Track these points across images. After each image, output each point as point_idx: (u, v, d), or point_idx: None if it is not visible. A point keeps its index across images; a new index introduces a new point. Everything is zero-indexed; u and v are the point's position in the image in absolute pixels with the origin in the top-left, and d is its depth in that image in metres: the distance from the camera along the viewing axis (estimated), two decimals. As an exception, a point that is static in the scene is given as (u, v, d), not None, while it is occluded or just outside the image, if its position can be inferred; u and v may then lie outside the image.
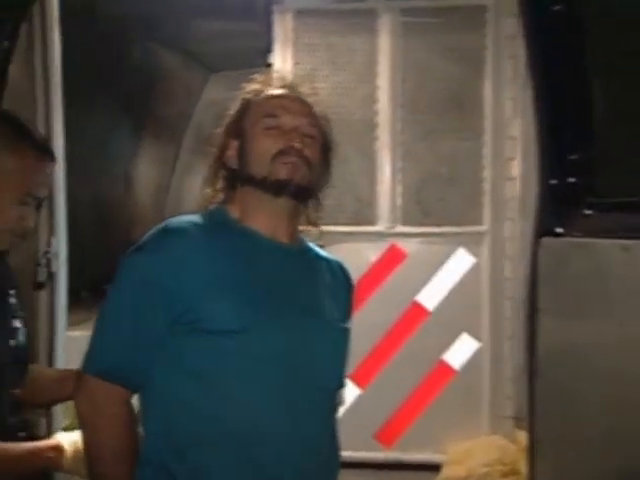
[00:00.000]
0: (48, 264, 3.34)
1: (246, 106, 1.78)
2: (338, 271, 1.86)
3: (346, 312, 1.85)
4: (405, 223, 4.14)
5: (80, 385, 1.71)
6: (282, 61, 4.09)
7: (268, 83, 1.80)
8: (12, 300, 2.08)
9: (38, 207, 2.01)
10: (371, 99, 4.13)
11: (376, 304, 4.08)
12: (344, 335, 1.80)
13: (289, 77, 1.87)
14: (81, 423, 1.73)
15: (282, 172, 1.68)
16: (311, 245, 1.83)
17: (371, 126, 4.13)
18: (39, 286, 3.32)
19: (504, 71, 4.00)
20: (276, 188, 1.70)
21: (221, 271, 1.66)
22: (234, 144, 1.76)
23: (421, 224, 4.13)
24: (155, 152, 6.12)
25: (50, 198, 3.22)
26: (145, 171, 6.09)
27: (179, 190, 6.28)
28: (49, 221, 3.35)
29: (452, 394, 4.09)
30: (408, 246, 4.14)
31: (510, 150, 4.00)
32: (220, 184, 1.78)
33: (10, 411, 1.97)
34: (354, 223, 4.14)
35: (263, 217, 1.73)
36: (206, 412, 1.64)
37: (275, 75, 1.84)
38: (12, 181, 1.91)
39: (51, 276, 3.37)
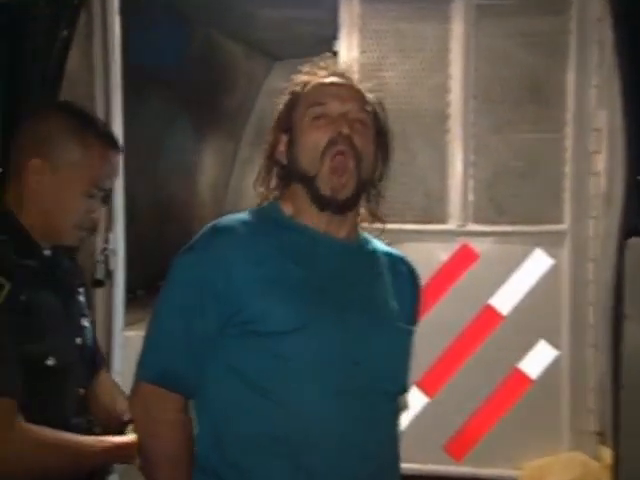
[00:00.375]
0: (106, 261, 3.37)
1: (294, 98, 1.76)
2: (402, 267, 1.84)
3: (411, 312, 1.82)
4: (477, 221, 4.02)
5: (135, 391, 1.73)
6: (348, 49, 3.98)
7: (316, 73, 1.79)
8: (81, 298, 2.11)
9: (105, 200, 2.06)
10: (442, 89, 4.01)
11: (446, 307, 3.96)
12: (407, 336, 1.78)
13: (338, 64, 1.85)
14: (137, 429, 1.77)
15: (327, 185, 1.67)
16: (372, 239, 1.80)
17: (442, 117, 4.02)
18: (97, 284, 3.38)
19: (589, 57, 3.83)
20: (320, 204, 1.69)
21: (272, 269, 1.66)
22: (284, 139, 1.76)
23: (495, 222, 4.00)
24: (215, 146, 6.06)
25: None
26: (204, 166, 6.02)
27: (239, 185, 6.23)
28: (107, 217, 3.41)
29: (528, 405, 3.94)
30: (481, 246, 4.02)
31: (594, 143, 3.83)
32: (273, 181, 1.78)
33: (75, 411, 2.00)
34: (423, 221, 4.03)
35: (316, 213, 1.72)
36: (257, 417, 1.64)
37: (323, 64, 1.81)
38: (78, 173, 1.96)
39: (109, 274, 3.43)
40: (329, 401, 1.64)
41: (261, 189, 1.79)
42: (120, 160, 2.12)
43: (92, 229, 2.05)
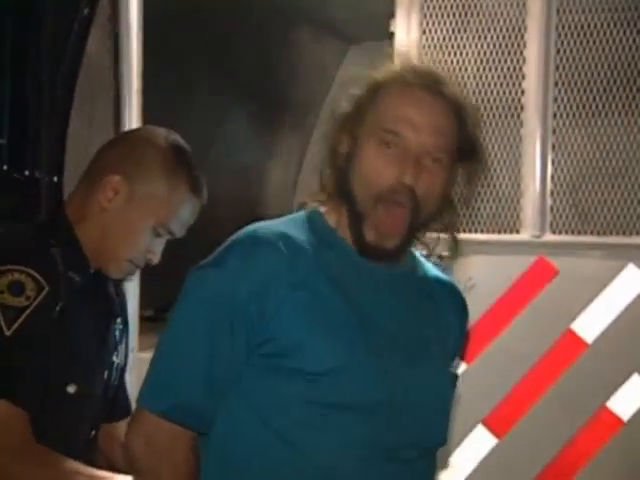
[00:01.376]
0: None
1: (368, 98, 1.69)
2: (452, 297, 1.82)
3: (456, 350, 1.81)
4: (557, 231, 3.78)
5: (137, 423, 1.67)
6: (406, 29, 3.77)
7: (402, 74, 1.70)
8: (116, 332, 2.15)
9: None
10: (516, 75, 3.78)
11: (519, 332, 3.70)
12: (452, 384, 1.75)
13: (432, 69, 1.77)
14: (136, 467, 1.68)
15: (372, 232, 1.65)
16: (421, 259, 1.79)
17: (516, 108, 3.79)
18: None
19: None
20: (360, 247, 1.67)
21: (312, 295, 1.62)
22: (347, 142, 1.70)
23: (578, 232, 3.77)
24: (279, 143, 5.80)
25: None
26: (266, 166, 5.80)
27: (308, 187, 5.96)
28: None
29: (617, 451, 3.63)
30: (560, 260, 3.75)
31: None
32: (329, 184, 1.73)
33: (83, 450, 2.02)
34: (492, 230, 3.81)
35: None
36: (275, 465, 1.61)
37: (412, 65, 1.74)
38: (155, 208, 2.03)
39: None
40: (359, 455, 1.61)
41: (316, 192, 1.74)
42: (199, 208, 2.16)
43: (140, 267, 2.10)
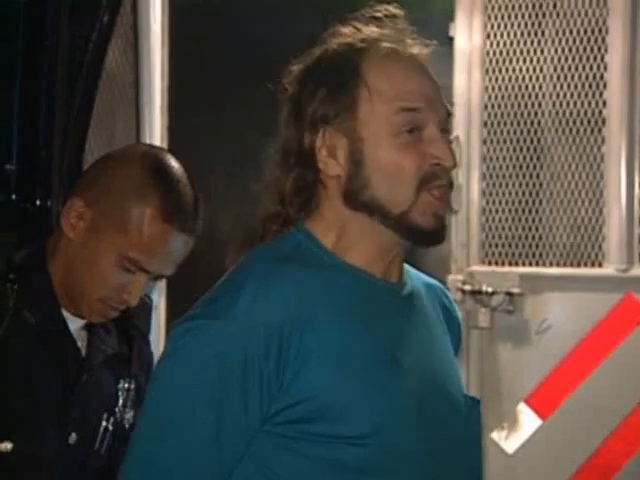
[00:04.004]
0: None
1: (356, 75, 1.53)
2: (445, 301, 1.75)
3: (455, 351, 1.75)
4: None
5: None
6: (467, 34, 3.67)
7: (384, 41, 1.56)
8: (120, 391, 2.02)
9: (156, 279, 1.99)
10: (596, 84, 3.68)
11: (602, 383, 3.55)
12: (477, 410, 1.68)
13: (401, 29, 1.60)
14: None
15: (427, 217, 1.55)
16: (409, 270, 1.69)
17: (596, 123, 3.69)
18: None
19: None
20: (415, 237, 1.58)
21: (335, 340, 1.49)
22: (340, 140, 1.53)
23: None
24: None
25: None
26: None
27: None
28: None
29: None
30: None
31: None
32: (298, 196, 1.58)
33: None
34: (570, 263, 3.71)
35: (375, 250, 1.58)
36: None
37: (395, 30, 1.58)
38: (116, 238, 1.88)
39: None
40: None
41: (275, 207, 1.57)
42: (186, 245, 1.95)
43: (121, 310, 1.95)
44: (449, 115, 1.60)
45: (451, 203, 1.62)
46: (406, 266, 1.69)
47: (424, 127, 1.56)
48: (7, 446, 1.83)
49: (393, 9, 1.62)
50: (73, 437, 1.92)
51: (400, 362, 1.57)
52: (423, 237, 1.60)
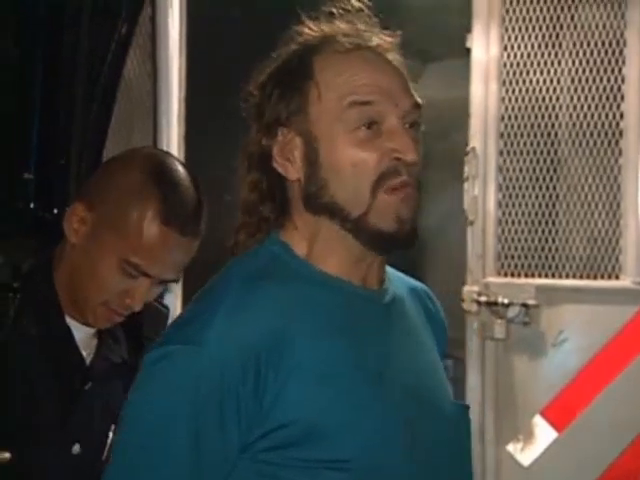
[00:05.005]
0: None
1: (308, 71, 1.47)
2: (429, 303, 1.67)
3: (442, 352, 1.68)
4: None
5: None
6: (484, 45, 3.66)
7: (335, 37, 1.49)
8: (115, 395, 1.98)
9: (160, 283, 1.94)
10: (613, 96, 3.70)
11: (620, 393, 3.55)
12: (467, 420, 1.60)
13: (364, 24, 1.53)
14: None
15: (387, 219, 1.45)
16: (390, 272, 1.60)
17: (613, 134, 3.72)
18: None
19: None
20: (376, 243, 1.47)
21: (320, 360, 1.43)
22: (295, 142, 1.47)
23: None
24: None
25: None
26: None
27: None
28: None
29: None
30: None
31: None
32: (267, 205, 1.52)
33: None
34: (587, 275, 3.74)
35: (348, 257, 1.49)
36: None
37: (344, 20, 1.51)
38: (115, 242, 1.87)
39: None
40: None
41: (244, 217, 1.51)
42: (187, 249, 1.93)
43: (126, 315, 1.92)
44: (417, 107, 1.50)
45: (417, 203, 1.50)
46: (388, 269, 1.61)
47: (383, 120, 1.47)
48: (5, 455, 1.81)
49: (355, 2, 1.54)
50: (77, 448, 1.90)
51: (384, 376, 1.51)
52: (384, 242, 1.49)
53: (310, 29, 1.50)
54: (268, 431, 1.40)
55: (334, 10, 1.51)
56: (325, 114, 1.46)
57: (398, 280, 1.62)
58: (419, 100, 1.50)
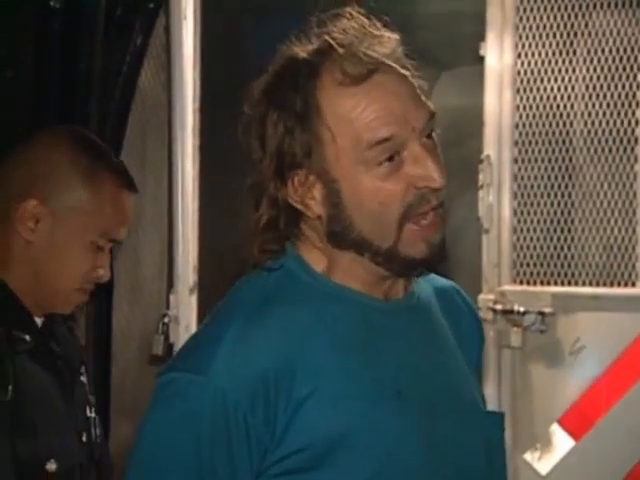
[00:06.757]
0: (166, 332, 3.31)
1: (315, 109, 1.43)
2: (459, 300, 1.65)
3: (476, 361, 1.66)
4: None
5: None
6: (497, 53, 3.64)
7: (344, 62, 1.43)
8: (83, 379, 2.04)
9: (111, 251, 2.02)
10: (629, 103, 3.64)
11: (638, 401, 3.49)
12: (500, 426, 1.57)
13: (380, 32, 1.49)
14: None
15: (417, 247, 1.46)
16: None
17: (629, 141, 3.66)
18: (155, 360, 3.29)
19: None
20: (409, 269, 1.49)
21: (334, 380, 1.41)
22: (312, 182, 1.44)
23: None
24: None
25: (169, 243, 3.30)
26: None
27: None
28: (168, 274, 3.36)
29: None
30: None
31: None
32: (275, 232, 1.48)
33: None
34: (603, 283, 3.65)
35: (372, 278, 1.49)
36: None
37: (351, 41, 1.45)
38: (87, 221, 1.91)
39: (170, 348, 3.32)
40: None
41: (262, 245, 1.47)
42: (132, 204, 2.05)
43: (91, 290, 2.00)
44: (432, 116, 1.46)
45: (444, 223, 1.49)
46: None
47: (403, 149, 1.44)
48: (51, 466, 1.84)
49: (354, 12, 1.48)
50: (85, 437, 1.96)
51: (404, 391, 1.48)
52: (417, 267, 1.50)
53: (305, 48, 1.44)
54: (283, 457, 1.39)
55: (330, 20, 1.45)
56: (343, 156, 1.43)
57: (426, 282, 1.60)
58: (432, 108, 1.47)
